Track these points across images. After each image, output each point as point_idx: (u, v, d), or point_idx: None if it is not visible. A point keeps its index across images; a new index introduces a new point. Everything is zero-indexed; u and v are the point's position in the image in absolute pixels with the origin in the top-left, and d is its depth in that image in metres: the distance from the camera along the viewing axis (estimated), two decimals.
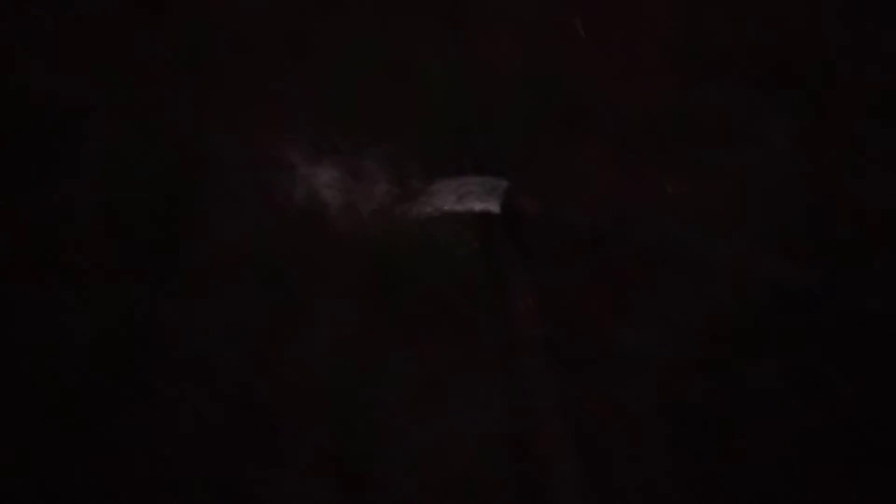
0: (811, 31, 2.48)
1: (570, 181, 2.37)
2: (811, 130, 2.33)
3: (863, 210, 2.12)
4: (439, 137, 2.45)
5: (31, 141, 2.45)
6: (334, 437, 1.94)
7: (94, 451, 1.95)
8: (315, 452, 1.94)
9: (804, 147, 2.30)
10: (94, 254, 2.21)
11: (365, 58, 2.59)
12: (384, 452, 1.93)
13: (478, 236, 2.25)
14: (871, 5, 2.52)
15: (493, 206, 2.28)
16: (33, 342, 2.08)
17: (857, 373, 1.94)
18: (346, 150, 2.51)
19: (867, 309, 2.01)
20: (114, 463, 1.94)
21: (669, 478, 1.88)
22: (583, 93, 2.51)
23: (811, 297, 2.05)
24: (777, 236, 2.14)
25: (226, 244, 2.26)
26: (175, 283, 2.20)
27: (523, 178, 2.32)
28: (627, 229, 2.24)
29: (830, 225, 2.13)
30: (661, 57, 2.54)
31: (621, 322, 2.08)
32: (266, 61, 2.68)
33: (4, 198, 2.32)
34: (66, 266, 2.20)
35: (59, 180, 2.36)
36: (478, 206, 2.30)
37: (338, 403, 1.97)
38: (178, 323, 2.14)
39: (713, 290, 2.09)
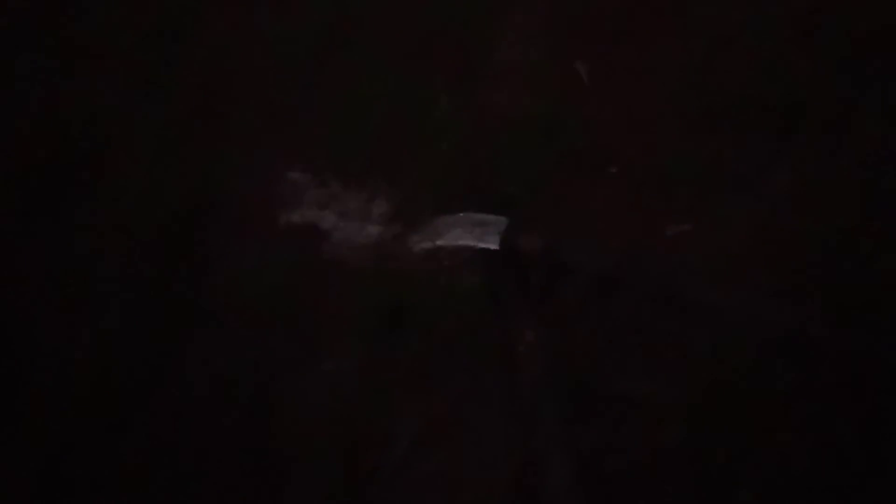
0: (815, 79, 2.50)
1: (573, 222, 2.39)
2: (817, 178, 2.35)
3: (870, 259, 2.12)
4: (444, 175, 2.48)
5: (48, 168, 2.49)
6: (338, 473, 1.93)
7: (97, 484, 1.94)
8: (319, 488, 1.94)
9: (810, 194, 2.31)
10: (107, 279, 2.23)
11: (374, 96, 2.61)
12: (389, 489, 1.92)
13: (479, 273, 2.26)
14: (872, 56, 2.55)
15: (495, 243, 2.29)
16: (45, 363, 2.09)
17: (863, 422, 1.93)
18: (353, 185, 2.52)
19: (874, 358, 2.01)
20: (118, 494, 1.93)
21: None
22: (588, 136, 2.54)
23: (817, 345, 2.04)
24: (783, 283, 2.14)
25: (234, 275, 2.28)
26: (185, 313, 2.22)
27: (526, 217, 2.33)
28: (631, 271, 2.24)
29: (837, 273, 2.13)
30: (667, 102, 2.57)
31: (624, 363, 2.09)
32: (280, 96, 2.73)
33: (22, 223, 2.33)
34: (79, 290, 2.22)
35: (76, 208, 2.38)
36: (479, 243, 2.31)
37: (342, 439, 1.97)
38: (185, 352, 2.15)
39: (717, 335, 2.09)
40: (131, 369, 2.08)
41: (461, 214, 2.38)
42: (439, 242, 2.35)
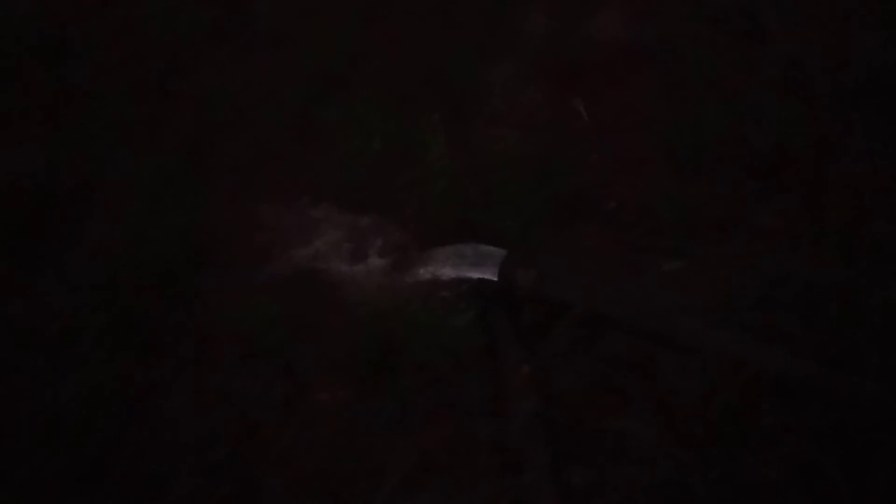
0: (800, 122, 2.56)
1: (566, 258, 2.41)
2: (803, 220, 2.38)
3: (858, 300, 2.14)
4: (439, 212, 2.50)
5: (33, 213, 2.50)
6: None
7: None
8: None
9: (796, 236, 2.35)
10: (91, 323, 2.22)
11: (369, 136, 2.65)
12: None
13: (472, 306, 2.26)
14: (857, 99, 2.60)
15: (489, 274, 2.30)
16: (28, 406, 2.07)
17: (852, 462, 1.93)
18: (347, 222, 2.55)
19: (860, 398, 2.02)
20: None
21: None
22: (581, 175, 2.58)
23: (805, 386, 2.06)
24: (771, 324, 2.16)
25: (223, 315, 2.28)
26: (171, 353, 2.22)
27: (519, 252, 2.34)
28: (622, 308, 2.26)
29: (823, 314, 2.15)
30: (656, 143, 2.62)
31: (613, 400, 2.09)
32: (275, 135, 2.76)
33: (6, 268, 2.34)
34: (63, 335, 2.21)
35: (62, 252, 2.40)
36: (473, 274, 2.31)
37: (329, 475, 1.96)
38: (172, 393, 2.15)
39: (707, 375, 2.10)
40: (115, 413, 2.07)
41: (458, 245, 2.39)
42: (433, 273, 2.35)
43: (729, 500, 1.89)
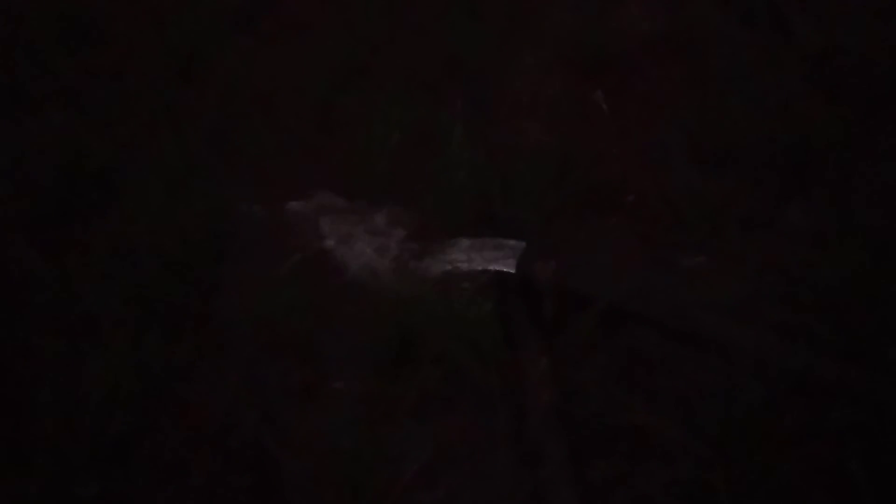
0: (827, 119, 2.53)
1: (587, 251, 2.39)
2: (828, 217, 2.36)
3: (883, 299, 2.12)
4: (459, 203, 2.49)
5: (57, 198, 2.50)
6: (344, 500, 1.92)
7: None
8: None
9: (822, 233, 2.32)
10: (112, 308, 2.23)
11: (389, 126, 2.64)
12: None
13: (491, 298, 2.25)
14: (885, 96, 2.57)
15: (509, 267, 2.29)
16: (49, 389, 2.08)
17: (875, 461, 1.91)
18: (367, 211, 2.55)
19: (887, 398, 2.00)
20: None
21: None
22: (602, 168, 2.56)
23: (829, 385, 2.04)
24: (794, 322, 2.14)
25: (243, 302, 2.28)
26: (191, 339, 2.22)
27: (540, 246, 2.33)
28: (642, 303, 2.24)
29: (849, 312, 2.13)
30: (680, 138, 2.59)
31: (633, 395, 2.08)
32: (295, 125, 2.76)
33: (27, 247, 2.35)
34: (83, 316, 2.22)
35: (84, 237, 2.40)
36: (493, 266, 2.31)
37: (348, 464, 1.96)
38: (192, 379, 2.15)
39: (729, 372, 2.08)
40: (136, 399, 2.07)
41: (478, 238, 2.39)
42: (453, 265, 2.35)
43: (751, 499, 1.87)
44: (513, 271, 2.29)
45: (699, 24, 2.90)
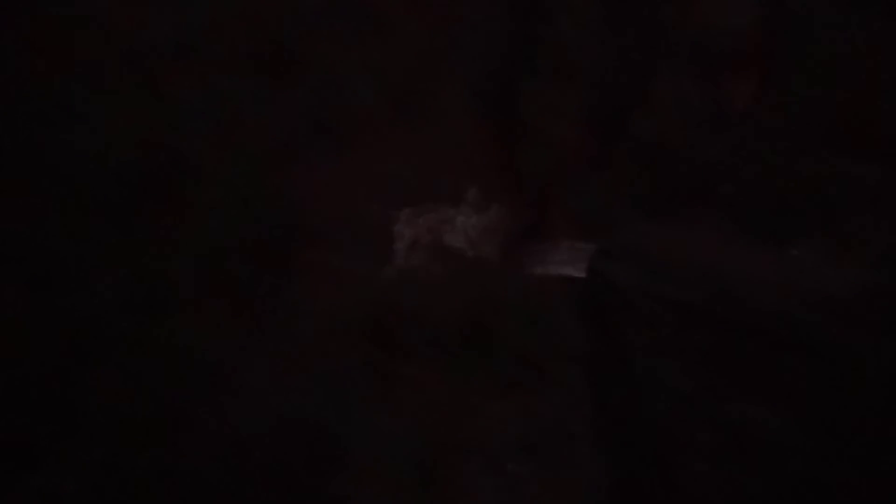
0: None
1: (671, 249, 2.23)
2: None
3: None
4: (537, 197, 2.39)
5: (134, 182, 2.51)
6: (410, 490, 1.81)
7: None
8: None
9: None
10: (184, 288, 2.20)
11: (472, 120, 2.55)
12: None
13: (567, 301, 2.17)
14: None
15: (581, 272, 2.20)
16: (117, 376, 2.05)
17: None
18: (444, 207, 2.47)
19: None
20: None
21: None
22: (695, 158, 2.39)
23: None
24: None
25: (320, 297, 2.23)
26: (261, 321, 2.16)
27: (617, 244, 2.21)
28: (734, 304, 2.06)
29: None
30: (786, 123, 2.41)
31: (731, 390, 1.89)
32: (374, 118, 2.71)
33: (103, 238, 2.35)
34: (156, 307, 2.20)
35: (158, 227, 2.39)
36: (566, 271, 2.23)
37: (417, 448, 1.87)
38: (259, 360, 2.09)
39: (835, 373, 1.88)
40: (202, 377, 2.03)
41: (551, 241, 2.31)
42: (528, 269, 2.28)
43: (863, 498, 1.65)
44: (583, 275, 2.17)
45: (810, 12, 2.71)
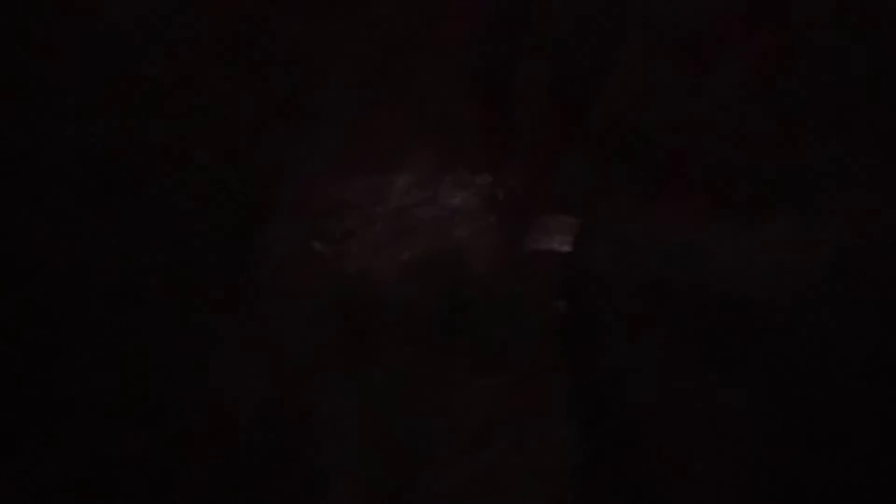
0: None
1: (651, 229, 2.24)
2: None
3: None
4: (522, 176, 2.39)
5: (108, 165, 2.49)
6: (388, 471, 1.84)
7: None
8: (365, 483, 1.85)
9: None
10: (156, 277, 2.21)
11: (455, 98, 2.53)
12: (446, 492, 1.82)
13: (547, 278, 2.17)
14: None
15: (565, 246, 2.21)
16: (90, 363, 2.05)
17: None
18: (424, 185, 2.46)
19: None
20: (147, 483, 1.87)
21: None
22: (672, 137, 2.40)
23: None
24: (881, 297, 1.95)
25: (293, 277, 2.24)
26: (235, 308, 2.16)
27: (600, 223, 2.21)
28: (709, 285, 2.08)
29: None
30: (762, 101, 2.42)
31: (709, 372, 1.92)
32: (353, 97, 2.69)
33: (82, 221, 2.34)
34: (129, 288, 2.19)
35: (131, 207, 2.38)
36: (549, 245, 2.24)
37: (396, 427, 1.89)
38: (236, 346, 2.09)
39: (809, 352, 1.91)
40: (179, 364, 2.04)
41: (534, 216, 2.30)
42: (508, 244, 2.29)
43: (836, 478, 1.69)
44: (568, 250, 2.18)
45: None
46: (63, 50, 2.62)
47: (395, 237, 2.38)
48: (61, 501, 1.83)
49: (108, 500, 1.84)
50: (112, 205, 2.38)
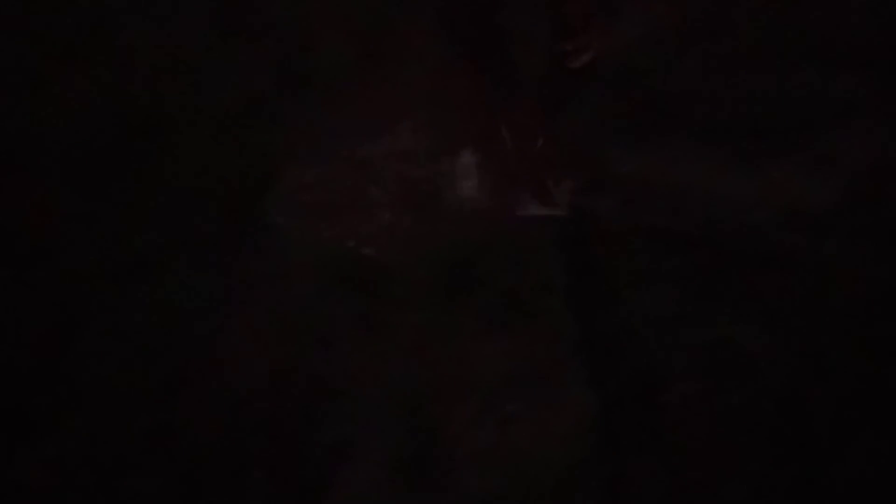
0: None
1: (650, 178, 2.23)
2: None
3: None
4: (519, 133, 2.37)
5: (110, 140, 2.47)
6: (406, 434, 1.85)
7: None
8: (384, 448, 1.85)
9: None
10: (160, 249, 2.19)
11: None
12: (459, 451, 1.83)
13: (547, 237, 2.17)
14: None
15: (561, 210, 2.19)
16: (99, 337, 2.05)
17: None
18: (419, 153, 2.45)
19: None
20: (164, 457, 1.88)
21: (765, 473, 1.69)
22: (666, 80, 2.37)
23: None
24: (884, 231, 1.94)
25: (298, 247, 2.22)
26: (245, 273, 2.15)
27: (598, 177, 2.21)
28: (716, 228, 2.07)
29: None
30: (757, 41, 2.38)
31: (715, 310, 1.92)
32: (344, 76, 2.65)
33: (81, 201, 2.33)
34: (135, 261, 2.18)
35: (129, 180, 2.35)
36: (549, 211, 2.22)
37: (410, 389, 1.89)
38: (246, 315, 2.08)
39: (817, 285, 1.91)
40: (190, 332, 2.03)
41: (534, 182, 2.28)
42: (513, 211, 2.26)
43: (849, 410, 1.69)
44: (566, 213, 2.17)
45: None
46: (55, 30, 2.60)
47: (395, 203, 2.37)
48: (75, 478, 1.84)
49: (123, 474, 1.85)
50: (108, 183, 2.37)
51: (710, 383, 1.80)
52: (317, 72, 2.65)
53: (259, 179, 2.38)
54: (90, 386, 1.96)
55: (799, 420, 1.73)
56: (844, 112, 2.17)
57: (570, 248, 2.15)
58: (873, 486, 1.67)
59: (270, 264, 2.19)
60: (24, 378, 1.97)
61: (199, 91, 2.59)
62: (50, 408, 1.91)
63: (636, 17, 2.35)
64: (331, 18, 2.81)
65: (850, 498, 1.68)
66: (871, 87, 2.19)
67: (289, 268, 2.18)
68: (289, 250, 2.21)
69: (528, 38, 2.29)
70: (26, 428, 1.91)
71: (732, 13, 2.39)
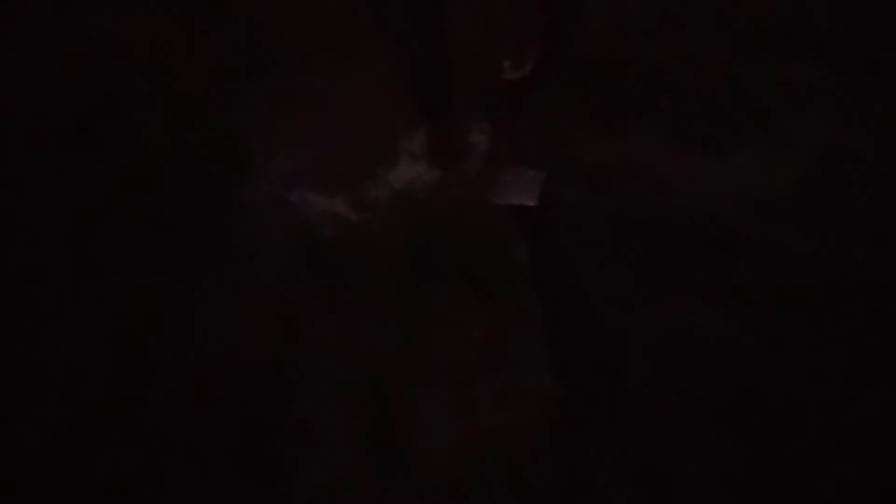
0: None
1: (617, 166, 2.25)
2: (878, 109, 2.17)
3: None
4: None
5: (69, 126, 2.44)
6: (371, 417, 1.84)
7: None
8: (348, 428, 1.85)
9: (870, 121, 2.14)
10: (126, 233, 2.18)
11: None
12: (423, 435, 1.84)
13: (511, 223, 2.18)
14: None
15: (531, 200, 2.19)
16: (65, 321, 2.03)
17: None
18: (385, 138, 2.44)
19: None
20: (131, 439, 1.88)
21: (724, 454, 1.73)
22: (632, 69, 2.39)
23: (882, 276, 1.88)
24: (842, 216, 1.98)
25: (262, 230, 2.21)
26: (209, 261, 2.15)
27: (565, 165, 2.22)
28: (680, 214, 2.10)
29: None
30: (719, 30, 2.41)
31: (674, 295, 1.95)
32: (312, 61, 2.64)
33: (40, 176, 2.30)
34: (97, 243, 2.16)
35: (95, 164, 2.32)
36: (518, 200, 2.21)
37: (376, 382, 1.89)
38: (211, 299, 2.08)
39: (775, 274, 1.95)
40: (156, 320, 2.02)
41: (501, 170, 2.28)
42: (476, 197, 2.26)
43: (806, 392, 1.73)
44: (534, 203, 2.18)
45: None
46: (21, 13, 2.56)
47: (362, 185, 2.37)
48: (36, 461, 1.83)
49: (85, 458, 1.84)
50: (72, 163, 2.33)
51: (670, 367, 1.82)
52: (283, 55, 2.65)
53: (225, 161, 2.37)
54: (51, 369, 1.94)
55: (756, 402, 1.76)
56: (803, 100, 2.20)
57: (536, 234, 2.16)
58: (828, 465, 1.71)
59: (235, 245, 2.19)
60: None
61: (166, 71, 2.57)
62: (13, 401, 1.89)
63: (601, 8, 2.37)
64: (297, 2, 2.80)
65: (806, 477, 1.71)
66: (828, 75, 2.23)
67: (254, 249, 2.18)
68: (254, 232, 2.21)
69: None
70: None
71: (695, 4, 2.42)
